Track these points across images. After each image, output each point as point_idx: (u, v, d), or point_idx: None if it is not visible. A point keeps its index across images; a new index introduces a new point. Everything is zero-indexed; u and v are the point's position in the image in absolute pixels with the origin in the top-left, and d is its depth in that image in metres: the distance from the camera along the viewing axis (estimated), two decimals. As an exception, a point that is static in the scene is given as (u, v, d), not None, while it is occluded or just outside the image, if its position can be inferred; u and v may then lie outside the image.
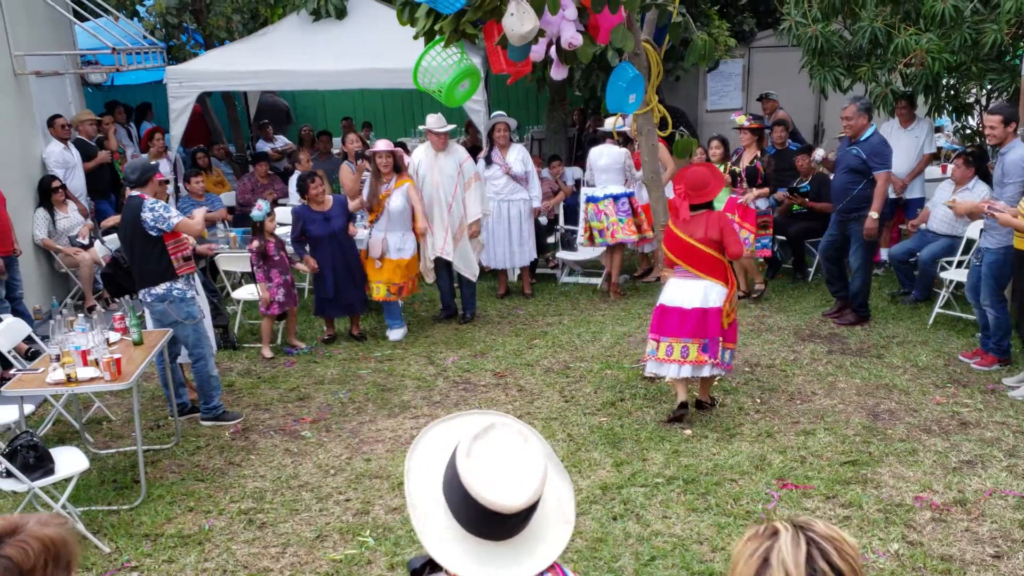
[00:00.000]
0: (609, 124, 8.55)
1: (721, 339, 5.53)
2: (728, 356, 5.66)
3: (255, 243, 7.10)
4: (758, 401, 6.00)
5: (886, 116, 8.39)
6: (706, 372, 5.61)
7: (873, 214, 7.07)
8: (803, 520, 1.56)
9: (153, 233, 5.58)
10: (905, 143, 8.27)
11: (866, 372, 6.40)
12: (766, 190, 8.04)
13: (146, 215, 5.55)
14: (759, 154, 8.08)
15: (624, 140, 8.41)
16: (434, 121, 7.52)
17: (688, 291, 5.55)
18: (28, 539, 1.67)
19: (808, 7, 7.98)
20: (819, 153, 7.82)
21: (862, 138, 7.08)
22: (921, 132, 8.26)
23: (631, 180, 8.36)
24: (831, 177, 7.82)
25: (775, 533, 1.53)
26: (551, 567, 1.82)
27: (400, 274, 7.47)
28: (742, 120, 8.11)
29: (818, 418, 5.70)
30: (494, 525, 1.76)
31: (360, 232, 7.89)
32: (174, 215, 5.60)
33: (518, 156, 8.37)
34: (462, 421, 1.96)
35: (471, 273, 7.84)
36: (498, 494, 1.73)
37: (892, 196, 8.44)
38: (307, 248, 7.34)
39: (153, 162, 6.03)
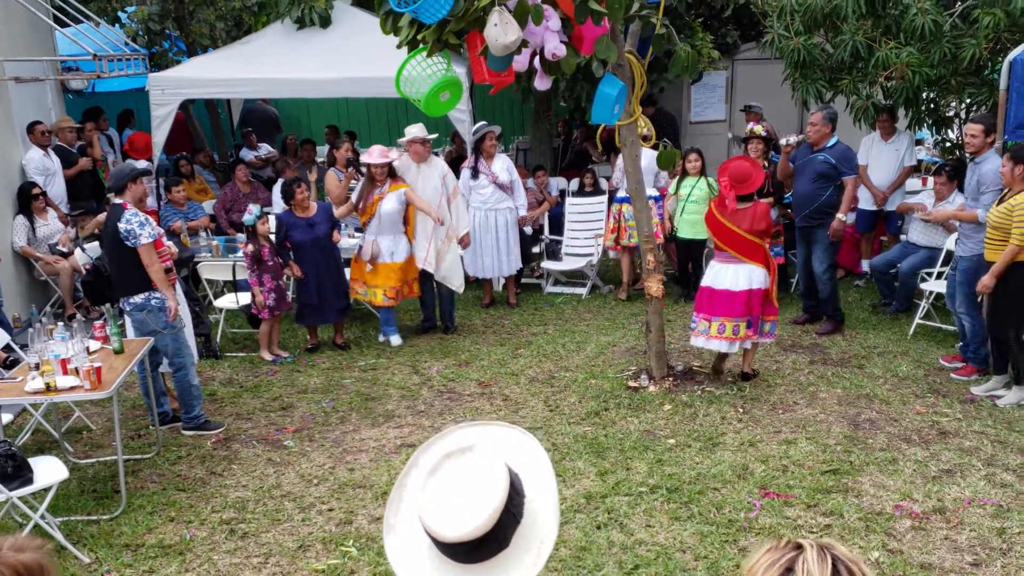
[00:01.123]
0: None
1: (762, 315, 6.26)
2: (771, 327, 6.39)
3: (250, 247, 7.10)
4: (740, 411, 6.02)
5: (867, 129, 8.47)
6: (748, 345, 6.37)
7: (841, 216, 7.22)
8: (825, 541, 1.57)
9: (129, 244, 5.55)
10: (886, 156, 8.36)
11: (847, 382, 6.45)
12: (771, 200, 8.03)
13: (121, 226, 5.52)
14: (767, 164, 8.10)
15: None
16: (417, 130, 7.52)
17: (734, 275, 6.18)
18: (1, 567, 1.57)
19: (790, 20, 8.05)
20: (793, 138, 7.84)
21: (828, 145, 7.21)
22: (902, 145, 8.34)
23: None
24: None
25: (799, 547, 1.54)
26: None
27: (395, 277, 7.44)
28: (759, 129, 8.10)
29: (800, 427, 5.73)
30: (445, 549, 1.73)
31: (345, 240, 7.88)
32: (144, 235, 5.53)
33: (503, 165, 8.40)
34: (486, 430, 1.91)
35: (458, 285, 7.83)
36: (438, 522, 1.69)
37: (873, 208, 8.53)
38: (291, 254, 7.33)
39: (130, 166, 5.97)
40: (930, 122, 8.55)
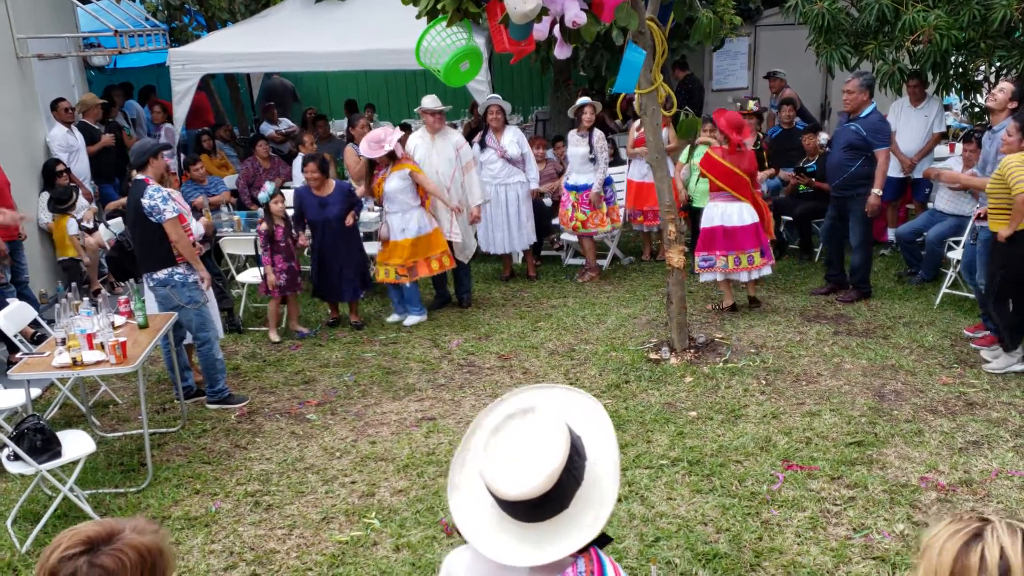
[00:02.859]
0: None
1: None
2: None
3: (263, 225, 7.09)
4: (763, 382, 5.99)
5: (892, 95, 8.32)
6: (767, 272, 7.17)
7: (876, 191, 7.10)
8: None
9: (152, 220, 5.57)
10: (915, 122, 8.21)
11: (872, 353, 6.38)
12: (771, 171, 7.98)
13: (145, 202, 5.54)
14: (761, 136, 8.00)
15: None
16: (429, 101, 7.45)
17: (739, 212, 6.94)
18: (124, 548, 1.58)
19: (815, -16, 7.90)
20: (823, 137, 7.78)
21: (862, 115, 7.08)
22: (931, 111, 8.18)
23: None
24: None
25: (985, 520, 1.52)
26: (585, 552, 1.79)
27: (406, 253, 7.34)
28: (751, 105, 8.01)
29: (824, 399, 5.69)
30: (506, 507, 1.77)
31: (365, 214, 7.84)
32: (168, 210, 5.55)
33: (513, 139, 8.22)
34: (551, 393, 1.95)
35: (465, 256, 7.76)
36: (499, 480, 1.74)
37: (900, 175, 8.39)
38: (306, 226, 7.31)
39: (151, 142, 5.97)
40: (958, 87, 8.37)
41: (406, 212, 7.31)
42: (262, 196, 7.08)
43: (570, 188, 8.37)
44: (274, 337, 7.28)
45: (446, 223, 7.54)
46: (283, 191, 9.34)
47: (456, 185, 7.54)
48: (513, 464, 1.73)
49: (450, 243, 7.63)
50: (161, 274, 5.71)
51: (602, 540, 1.94)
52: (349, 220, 7.27)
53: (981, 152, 6.69)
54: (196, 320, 5.84)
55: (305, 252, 7.36)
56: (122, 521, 1.64)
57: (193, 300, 5.79)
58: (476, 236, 8.10)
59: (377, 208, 7.58)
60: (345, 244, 7.30)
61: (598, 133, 8.19)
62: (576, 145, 8.25)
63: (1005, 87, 6.32)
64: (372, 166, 7.35)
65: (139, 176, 5.66)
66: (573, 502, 1.78)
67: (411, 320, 7.55)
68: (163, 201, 5.54)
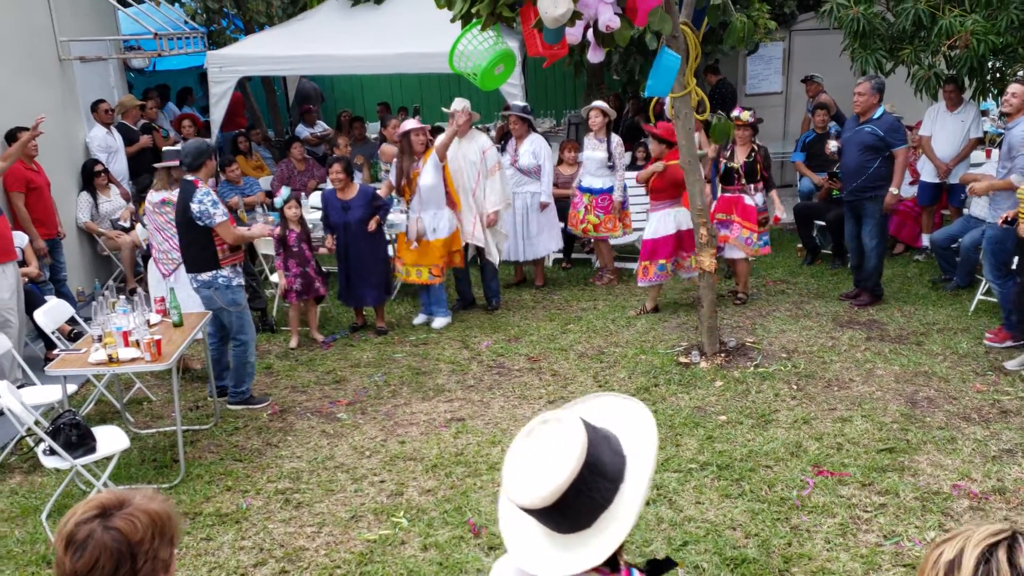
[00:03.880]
0: None
1: None
2: None
3: (278, 230, 7.12)
4: (795, 387, 5.94)
5: (929, 100, 8.23)
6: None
7: (893, 189, 7.10)
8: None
9: (200, 223, 5.64)
10: (951, 127, 8.12)
11: (905, 359, 6.31)
12: (760, 184, 7.74)
13: (194, 206, 5.59)
14: (756, 147, 7.74)
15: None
16: (456, 103, 7.47)
17: (687, 216, 7.12)
18: (136, 513, 1.69)
19: (850, -12, 7.83)
20: (833, 144, 7.66)
21: (874, 116, 7.04)
22: (968, 116, 8.08)
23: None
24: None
25: (987, 527, 1.41)
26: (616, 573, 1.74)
27: (438, 254, 7.34)
28: (747, 116, 7.74)
29: (855, 405, 5.63)
30: (529, 513, 1.74)
31: (394, 215, 7.85)
32: (219, 213, 5.61)
33: (529, 148, 8.08)
34: (623, 406, 1.89)
35: (492, 256, 7.72)
36: (510, 483, 1.72)
37: (935, 180, 8.30)
38: (332, 230, 7.32)
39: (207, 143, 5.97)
40: (995, 92, 8.26)
41: (438, 211, 7.31)
42: (277, 201, 7.13)
43: (584, 190, 8.34)
44: (293, 343, 7.25)
45: (468, 224, 7.54)
46: (314, 193, 9.43)
47: (480, 189, 7.53)
48: (524, 471, 1.70)
49: (467, 245, 7.62)
50: (205, 276, 5.78)
51: (666, 564, 1.90)
52: (372, 225, 7.17)
53: (1001, 152, 6.62)
54: (236, 322, 5.91)
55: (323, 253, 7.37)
56: (133, 491, 1.76)
57: (235, 303, 5.86)
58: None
59: (406, 211, 7.55)
60: (367, 249, 7.23)
61: (616, 139, 8.17)
62: (593, 150, 8.21)
63: (1017, 91, 6.24)
64: (410, 157, 7.31)
65: (189, 177, 5.72)
66: (597, 523, 1.72)
67: (439, 322, 7.56)
68: (213, 205, 5.59)
